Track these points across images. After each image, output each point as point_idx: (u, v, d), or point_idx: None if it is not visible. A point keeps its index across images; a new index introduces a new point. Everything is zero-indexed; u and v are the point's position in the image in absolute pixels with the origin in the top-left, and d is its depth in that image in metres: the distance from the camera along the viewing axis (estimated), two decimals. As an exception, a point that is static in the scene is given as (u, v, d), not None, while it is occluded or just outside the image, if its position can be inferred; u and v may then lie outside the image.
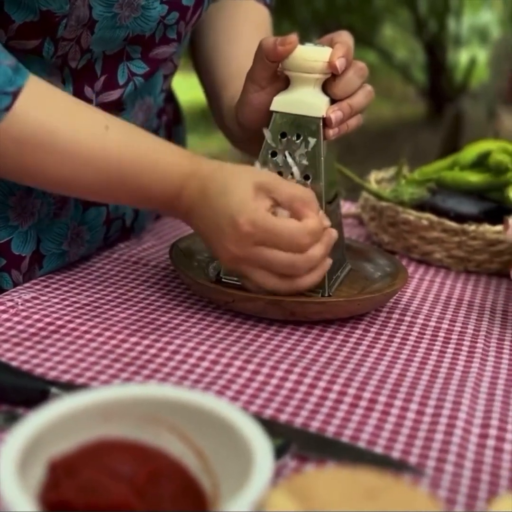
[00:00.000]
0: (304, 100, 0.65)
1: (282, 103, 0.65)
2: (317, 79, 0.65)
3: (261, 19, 0.81)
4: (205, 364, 0.57)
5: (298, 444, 0.46)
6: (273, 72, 0.65)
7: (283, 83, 0.66)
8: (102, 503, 0.34)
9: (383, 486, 0.32)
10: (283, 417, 0.51)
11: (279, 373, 0.56)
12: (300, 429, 0.49)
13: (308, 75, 0.64)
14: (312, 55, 0.64)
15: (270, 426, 0.44)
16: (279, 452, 0.43)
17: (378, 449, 0.48)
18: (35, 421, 0.36)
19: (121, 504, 0.34)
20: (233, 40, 0.79)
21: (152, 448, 0.38)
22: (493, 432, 0.51)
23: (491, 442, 0.49)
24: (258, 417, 0.49)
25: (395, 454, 0.48)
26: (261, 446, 0.35)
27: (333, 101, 0.65)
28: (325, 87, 0.65)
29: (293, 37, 0.63)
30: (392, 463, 0.46)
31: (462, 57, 5.29)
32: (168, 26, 0.67)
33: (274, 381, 0.55)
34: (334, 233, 0.63)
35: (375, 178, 0.93)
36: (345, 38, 0.65)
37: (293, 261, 0.59)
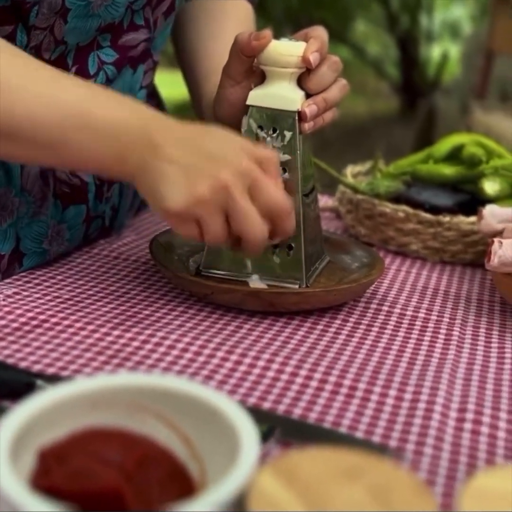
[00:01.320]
0: (279, 94, 0.66)
1: (258, 97, 0.66)
2: (292, 74, 0.66)
3: (244, 14, 0.82)
4: (188, 355, 0.57)
5: (281, 431, 0.47)
6: (248, 67, 0.66)
7: (259, 78, 0.67)
8: (92, 488, 0.34)
9: (365, 465, 0.33)
10: (266, 405, 0.52)
11: (261, 363, 0.57)
12: (283, 416, 0.50)
13: (283, 70, 0.65)
14: (287, 50, 0.65)
15: (254, 413, 0.45)
16: (264, 438, 0.44)
17: (359, 434, 0.49)
18: (24, 411, 0.37)
19: (111, 489, 0.34)
20: (216, 35, 0.80)
21: (139, 435, 0.39)
22: (470, 416, 0.52)
23: (468, 426, 0.51)
24: (243, 405, 0.50)
25: (376, 439, 0.49)
26: (247, 431, 0.36)
27: (308, 95, 0.66)
28: (300, 82, 0.67)
29: (267, 32, 0.63)
30: (372, 447, 0.47)
31: (434, 52, 5.34)
32: (135, 11, 0.67)
33: (256, 371, 0.56)
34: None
35: (351, 172, 0.95)
36: (319, 33, 0.66)
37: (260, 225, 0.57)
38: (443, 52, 5.18)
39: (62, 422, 0.38)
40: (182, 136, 0.57)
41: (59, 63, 0.65)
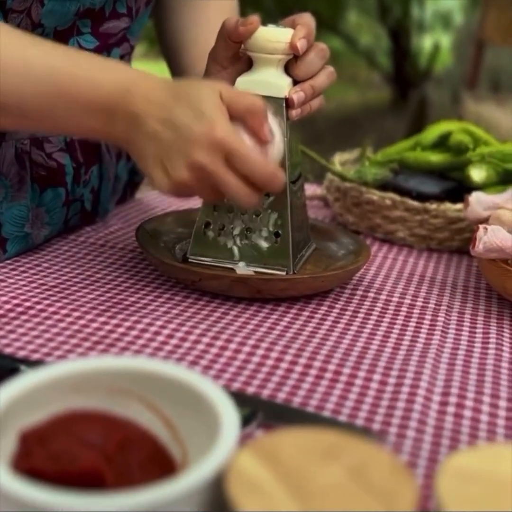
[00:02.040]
0: (267, 80, 0.66)
1: (245, 83, 0.66)
2: (280, 60, 0.65)
3: (228, 2, 0.82)
4: (174, 341, 0.58)
5: (264, 414, 0.47)
6: (235, 53, 0.66)
7: (245, 64, 0.67)
8: (72, 470, 0.35)
9: (344, 445, 0.33)
10: (251, 390, 0.52)
11: (246, 349, 0.57)
12: (266, 400, 0.50)
13: (271, 56, 0.65)
14: (274, 36, 0.64)
15: (237, 397, 0.45)
16: (246, 421, 0.45)
17: (342, 418, 0.49)
18: (5, 393, 0.37)
19: (92, 470, 0.35)
20: (200, 22, 0.79)
21: (121, 418, 0.39)
22: (453, 399, 0.52)
23: (451, 409, 0.51)
24: (226, 390, 0.50)
25: (359, 422, 0.49)
26: (227, 413, 0.36)
27: (295, 82, 0.66)
28: (287, 68, 0.66)
29: (255, 17, 0.63)
30: (355, 430, 0.47)
31: (426, 42, 5.34)
32: (117, 0, 0.67)
33: (241, 356, 0.56)
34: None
35: (340, 160, 0.95)
36: (306, 19, 0.66)
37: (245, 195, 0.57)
38: (435, 43, 5.18)
39: (43, 405, 0.38)
40: (160, 105, 0.57)
41: None
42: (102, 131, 0.59)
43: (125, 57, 0.75)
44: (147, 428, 0.39)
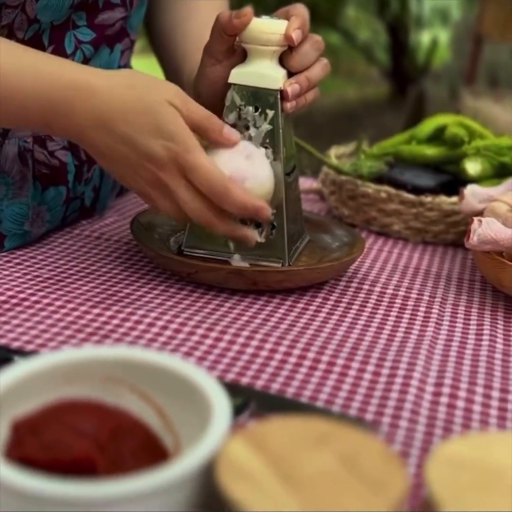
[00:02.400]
0: (261, 72, 0.66)
1: (240, 75, 0.66)
2: (274, 52, 0.65)
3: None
4: (168, 333, 0.58)
5: (257, 404, 0.47)
6: (229, 46, 0.66)
7: (240, 57, 0.67)
8: (65, 458, 0.35)
9: (334, 433, 0.34)
10: (245, 381, 0.52)
11: (240, 340, 0.57)
12: (259, 390, 0.50)
13: (265, 48, 0.65)
14: (268, 28, 0.64)
15: (230, 388, 0.45)
16: (238, 411, 0.45)
17: (336, 408, 0.50)
18: (-2, 382, 0.37)
19: (84, 459, 0.35)
20: (191, 16, 0.79)
21: (113, 407, 0.39)
22: (446, 390, 0.52)
23: (444, 400, 0.51)
24: (219, 380, 0.50)
25: (352, 412, 0.49)
26: (219, 401, 0.36)
27: (290, 74, 0.66)
28: (282, 60, 0.66)
29: (248, 9, 0.63)
30: (348, 420, 0.48)
31: (424, 38, 5.33)
32: None
33: (235, 347, 0.56)
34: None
35: (335, 153, 0.95)
36: (300, 10, 0.66)
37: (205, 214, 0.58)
38: (433, 38, 5.17)
39: (36, 394, 0.38)
40: (105, 118, 0.56)
41: (34, 42, 0.65)
42: (42, 128, 0.59)
43: (126, 52, 0.75)
44: (139, 417, 0.39)
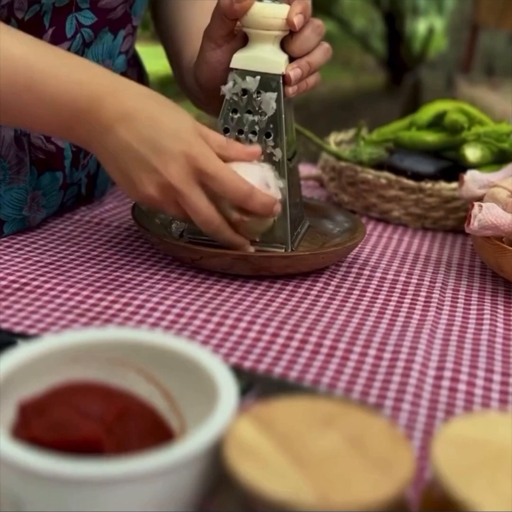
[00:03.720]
0: (263, 57, 0.65)
1: (241, 59, 0.66)
2: (276, 36, 0.65)
3: None
4: (170, 317, 0.58)
5: (260, 388, 0.47)
6: (230, 30, 0.66)
7: (240, 41, 0.66)
8: (71, 439, 0.35)
9: (341, 413, 0.34)
10: (247, 364, 0.52)
11: (242, 324, 0.57)
12: (262, 374, 0.51)
13: (267, 32, 0.65)
14: (270, 12, 0.64)
15: (233, 372, 0.45)
16: (242, 393, 0.45)
17: (338, 392, 0.50)
18: (5, 364, 0.37)
19: (90, 439, 0.35)
20: (194, 2, 0.79)
21: (119, 389, 0.39)
22: (447, 374, 0.53)
23: (445, 383, 0.52)
24: (234, 365, 0.50)
25: (355, 396, 0.49)
26: (225, 383, 0.37)
27: (291, 59, 0.66)
28: (283, 45, 0.66)
29: None
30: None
31: (420, 26, 5.32)
32: None
33: (238, 332, 0.56)
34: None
35: (335, 140, 0.95)
36: (302, -5, 0.66)
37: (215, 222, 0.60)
38: (429, 26, 5.16)
39: (42, 376, 0.38)
40: (129, 119, 0.57)
41: (34, 24, 0.64)
42: (61, 130, 0.59)
43: (128, 38, 0.74)
44: (145, 399, 0.39)
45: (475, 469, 0.32)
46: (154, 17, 0.82)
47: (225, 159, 0.60)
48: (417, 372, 0.52)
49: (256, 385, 0.47)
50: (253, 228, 0.64)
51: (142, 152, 0.57)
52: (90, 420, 0.36)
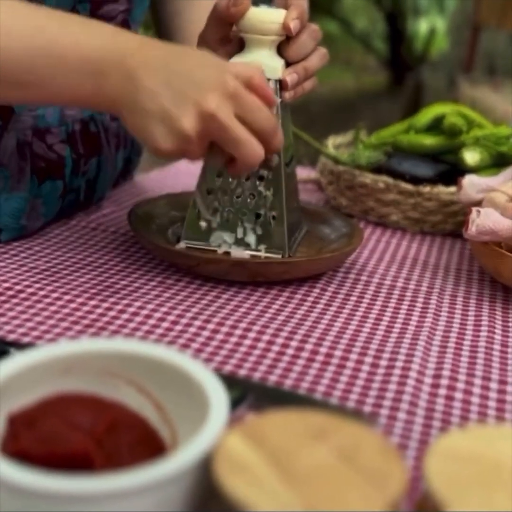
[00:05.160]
0: (260, 62, 0.65)
1: None
2: (273, 41, 0.65)
3: None
4: (165, 324, 0.57)
5: (255, 396, 0.47)
6: (225, 35, 0.65)
7: (235, 46, 0.66)
8: (61, 451, 0.34)
9: (332, 427, 0.33)
10: (242, 372, 0.52)
11: (238, 331, 0.57)
12: (257, 382, 0.50)
13: (264, 37, 0.65)
14: (267, 17, 0.64)
15: (227, 380, 0.45)
16: (236, 403, 0.45)
17: (334, 400, 0.49)
18: (-7, 376, 0.36)
19: (80, 452, 0.34)
20: (195, 5, 0.79)
21: (110, 401, 0.39)
22: (444, 381, 0.52)
23: (442, 391, 0.51)
24: (217, 372, 0.50)
25: (350, 404, 0.49)
26: (216, 395, 0.36)
27: (287, 64, 0.66)
28: (280, 50, 0.66)
29: None
30: (347, 412, 0.47)
31: (422, 26, 5.31)
32: None
33: (233, 339, 0.56)
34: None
35: (333, 143, 0.94)
36: (299, 0, 0.65)
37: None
38: (431, 26, 5.16)
39: (32, 388, 0.38)
40: (161, 62, 0.55)
41: None
42: (92, 92, 0.56)
43: None
44: (137, 411, 0.39)
45: (469, 483, 0.31)
46: (155, 22, 0.81)
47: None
48: (414, 380, 0.52)
49: (250, 394, 0.46)
50: None
51: (178, 87, 0.54)
52: (80, 432, 0.36)
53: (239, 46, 0.66)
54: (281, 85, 0.65)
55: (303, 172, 0.99)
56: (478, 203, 0.72)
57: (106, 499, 0.30)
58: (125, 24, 0.72)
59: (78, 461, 0.34)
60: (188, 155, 0.57)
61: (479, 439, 0.34)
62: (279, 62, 0.65)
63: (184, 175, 0.94)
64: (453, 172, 0.84)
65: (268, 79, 0.64)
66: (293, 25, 0.63)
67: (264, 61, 0.65)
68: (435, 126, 0.88)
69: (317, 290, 0.65)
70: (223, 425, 0.34)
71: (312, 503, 0.29)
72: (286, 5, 0.65)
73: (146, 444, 0.38)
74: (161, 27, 0.81)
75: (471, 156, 0.83)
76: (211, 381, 0.37)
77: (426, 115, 0.90)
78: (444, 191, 0.81)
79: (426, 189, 0.81)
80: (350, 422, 0.34)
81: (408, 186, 0.82)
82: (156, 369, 0.39)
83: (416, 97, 3.89)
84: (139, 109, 0.55)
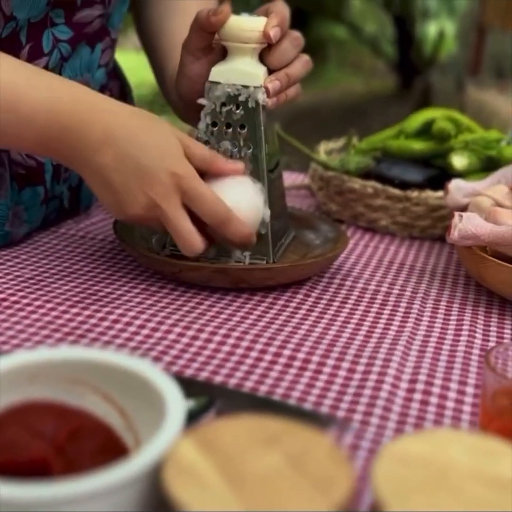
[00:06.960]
0: (242, 69, 0.66)
1: (220, 73, 0.66)
2: (254, 49, 0.65)
3: None
4: (145, 331, 0.58)
5: (224, 402, 0.47)
6: (207, 44, 0.66)
7: (218, 55, 0.67)
8: (20, 459, 0.35)
9: (285, 432, 0.34)
10: (218, 379, 0.52)
11: (217, 338, 0.57)
12: (232, 389, 0.50)
13: (245, 45, 0.65)
14: (248, 25, 0.64)
15: (199, 386, 0.45)
16: (204, 409, 0.45)
17: (308, 406, 0.50)
18: (-43, 384, 0.37)
19: (38, 460, 0.35)
20: (178, 13, 0.79)
21: (76, 409, 0.39)
22: (420, 386, 0.52)
23: (417, 396, 0.51)
24: (192, 378, 0.50)
25: (324, 410, 0.49)
26: (173, 401, 0.36)
27: (270, 71, 0.66)
28: (262, 57, 0.66)
29: (225, 7, 0.63)
30: (319, 418, 0.48)
31: (431, 29, 5.29)
32: None
33: (212, 346, 0.56)
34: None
35: (325, 149, 0.95)
36: (280, 7, 0.66)
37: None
38: (440, 30, 5.14)
39: (-2, 396, 0.38)
40: (113, 135, 0.57)
41: (12, 40, 0.65)
42: (42, 150, 0.60)
43: (107, 51, 0.75)
44: (102, 418, 0.39)
45: (416, 488, 0.31)
46: (138, 30, 0.82)
47: (208, 173, 0.61)
48: (389, 385, 0.52)
49: (219, 400, 0.47)
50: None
51: (126, 173, 0.58)
52: (41, 440, 0.36)
53: (222, 54, 0.67)
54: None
55: (298, 178, 1.00)
56: (465, 208, 0.72)
57: (57, 505, 0.31)
58: (103, 29, 0.72)
59: (37, 469, 0.35)
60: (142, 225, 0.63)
61: (431, 443, 0.34)
62: (261, 70, 0.66)
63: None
64: (442, 176, 0.84)
65: (252, 86, 0.65)
66: (273, 32, 0.64)
67: (246, 69, 0.66)
68: (425, 131, 0.89)
69: (300, 296, 0.66)
70: (178, 431, 0.34)
71: (256, 507, 0.29)
72: (267, 13, 0.66)
73: (110, 451, 0.38)
74: (144, 37, 0.81)
75: (459, 161, 0.83)
76: (170, 387, 0.37)
77: (416, 120, 0.90)
78: (432, 196, 0.81)
79: (414, 194, 0.81)
80: (304, 428, 0.34)
81: (396, 191, 0.82)
82: (119, 377, 0.39)
83: (425, 100, 3.89)
84: (93, 181, 0.59)
